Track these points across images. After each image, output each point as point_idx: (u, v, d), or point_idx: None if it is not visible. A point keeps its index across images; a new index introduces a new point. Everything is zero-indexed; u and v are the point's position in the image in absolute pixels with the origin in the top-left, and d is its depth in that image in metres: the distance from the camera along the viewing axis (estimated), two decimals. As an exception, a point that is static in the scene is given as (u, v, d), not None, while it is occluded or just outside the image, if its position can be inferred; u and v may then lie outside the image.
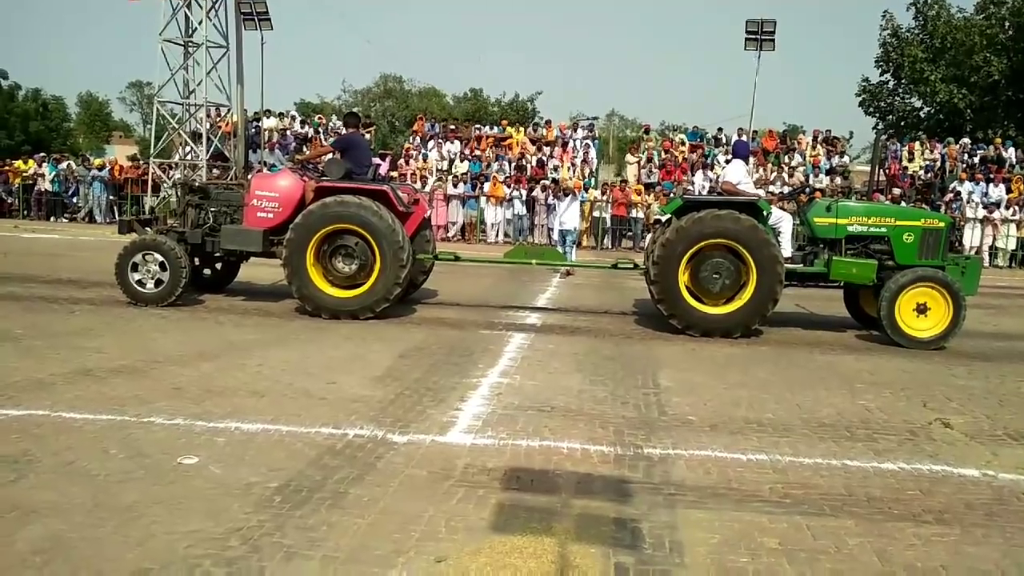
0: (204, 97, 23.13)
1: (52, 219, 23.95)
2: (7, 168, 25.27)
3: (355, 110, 43.04)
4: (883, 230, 9.38)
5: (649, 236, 17.09)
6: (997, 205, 21.16)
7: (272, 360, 7.16)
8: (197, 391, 6.01)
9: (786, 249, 9.47)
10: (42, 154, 26.85)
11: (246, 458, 4.65)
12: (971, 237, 20.93)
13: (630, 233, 22.38)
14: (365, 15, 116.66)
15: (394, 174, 23.21)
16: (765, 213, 9.25)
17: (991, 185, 22.03)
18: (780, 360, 8.13)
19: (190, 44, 23.21)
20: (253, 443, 4.92)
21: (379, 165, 16.83)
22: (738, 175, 10.00)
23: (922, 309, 8.91)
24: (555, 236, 16.92)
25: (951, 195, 21.65)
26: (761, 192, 11.24)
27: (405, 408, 5.80)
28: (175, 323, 8.81)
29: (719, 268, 9.01)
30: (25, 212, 24.36)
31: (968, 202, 21.30)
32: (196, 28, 23.00)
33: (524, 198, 22.43)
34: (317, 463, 4.62)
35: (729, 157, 22.10)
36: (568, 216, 15.78)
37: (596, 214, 22.27)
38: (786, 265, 9.12)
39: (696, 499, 4.32)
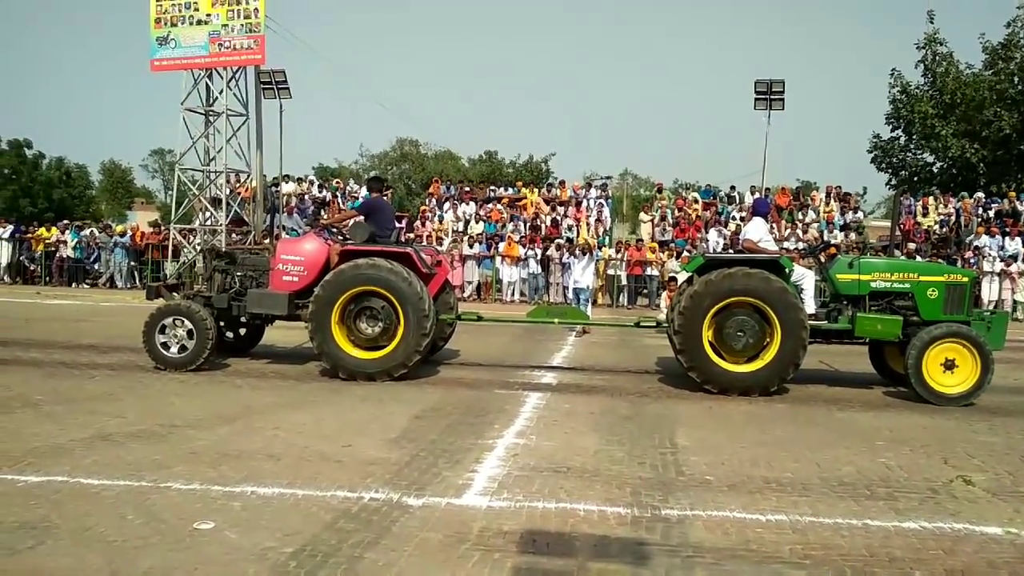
0: (224, 163, 23.57)
1: (74, 285, 24.27)
2: (30, 235, 25.75)
3: (376, 174, 43.71)
4: (907, 286, 9.36)
5: (664, 293, 17.13)
6: (1014, 258, 21.10)
7: (288, 423, 7.19)
8: (214, 455, 6.03)
9: (809, 306, 9.46)
10: (65, 221, 27.36)
11: (262, 522, 4.65)
12: (989, 291, 20.80)
13: (645, 291, 22.41)
14: (382, 81, 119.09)
15: (410, 235, 23.48)
16: (787, 270, 9.28)
17: (1007, 238, 21.99)
18: (798, 418, 8.07)
19: (211, 113, 23.75)
20: (269, 507, 4.93)
21: (402, 228, 17.06)
22: (759, 232, 10.06)
23: (950, 365, 8.81)
24: (570, 295, 17.04)
25: (971, 250, 21.59)
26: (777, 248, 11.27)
27: (420, 470, 5.80)
28: (193, 387, 8.87)
29: (744, 326, 9.01)
30: (47, 279, 24.73)
31: (985, 256, 21.24)
32: (217, 97, 23.55)
33: (539, 257, 22.59)
34: (332, 527, 4.61)
35: (744, 214, 22.34)
36: (583, 275, 15.91)
37: (611, 272, 22.37)
38: (810, 322, 9.11)
39: (715, 561, 4.27)
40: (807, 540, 4.58)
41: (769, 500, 5.30)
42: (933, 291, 9.28)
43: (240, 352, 11.14)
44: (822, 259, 10.70)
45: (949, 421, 8.04)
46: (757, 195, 23.48)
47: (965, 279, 9.48)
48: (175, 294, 10.63)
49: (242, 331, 11.34)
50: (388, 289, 9.33)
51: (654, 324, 10.56)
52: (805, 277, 9.79)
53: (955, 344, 8.81)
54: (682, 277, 12.39)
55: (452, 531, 4.60)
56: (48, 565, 4.02)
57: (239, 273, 10.52)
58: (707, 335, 9.08)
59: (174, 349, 9.67)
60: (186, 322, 9.63)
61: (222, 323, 10.54)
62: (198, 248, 21.47)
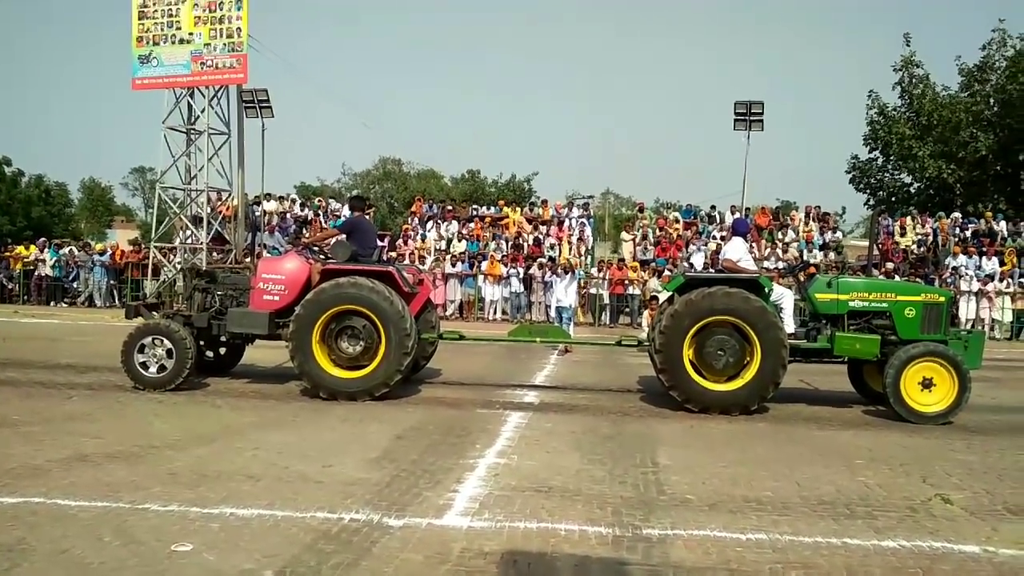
0: (205, 182, 23.52)
1: (52, 304, 24.05)
2: (9, 254, 25.51)
3: (358, 193, 43.70)
4: (884, 305, 9.44)
5: (645, 312, 17.20)
6: (991, 278, 21.37)
7: (268, 443, 7.14)
8: (192, 476, 5.98)
9: (789, 325, 9.53)
10: (43, 239, 27.14)
11: (240, 544, 4.61)
12: (966, 310, 21.03)
13: (627, 309, 22.48)
14: (365, 100, 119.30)
15: (393, 254, 23.46)
16: (767, 290, 9.34)
17: (984, 258, 22.27)
18: (779, 437, 8.10)
19: (192, 131, 23.71)
20: (248, 528, 4.89)
21: (383, 247, 17.05)
22: (739, 252, 10.12)
23: (927, 384, 8.90)
24: (552, 313, 17.09)
25: (949, 269, 21.84)
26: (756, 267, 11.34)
27: (401, 491, 5.77)
28: (172, 407, 8.80)
29: (724, 345, 9.04)
30: (25, 297, 24.48)
31: (962, 276, 21.50)
32: (199, 116, 23.52)
33: (521, 276, 22.63)
34: (312, 548, 4.58)
35: (725, 234, 22.50)
36: (565, 293, 15.96)
37: (593, 291, 22.43)
38: (790, 341, 9.16)
39: (695, 580, 4.28)
40: (787, 559, 4.60)
41: (749, 519, 5.32)
42: (911, 310, 9.37)
43: (220, 371, 11.06)
44: (801, 278, 10.79)
45: (928, 440, 8.10)
46: (737, 215, 23.70)
47: (942, 299, 9.58)
48: (155, 313, 10.56)
49: (222, 350, 11.26)
50: (369, 308, 9.31)
51: (635, 343, 10.60)
52: (784, 296, 9.87)
53: (932, 363, 8.90)
54: (663, 296, 12.45)
55: (433, 552, 4.58)
56: (23, 588, 3.97)
57: (219, 292, 10.47)
58: (687, 354, 9.12)
59: (153, 369, 9.59)
60: (165, 341, 9.56)
61: (202, 342, 10.47)
62: (178, 267, 21.35)
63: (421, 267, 19.15)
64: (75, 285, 24.65)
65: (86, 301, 24.17)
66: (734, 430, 8.36)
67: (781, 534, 5.01)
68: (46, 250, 25.19)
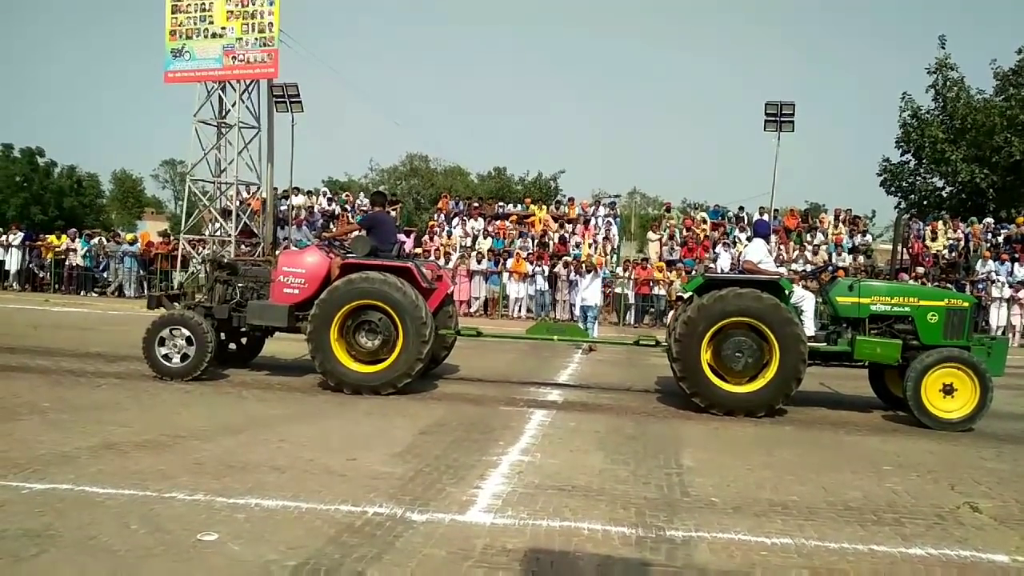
0: (235, 175, 23.72)
1: (82, 293, 24.35)
2: (40, 243, 25.87)
3: (382, 189, 43.90)
4: (906, 310, 9.33)
5: (671, 313, 17.09)
6: (1023, 284, 21.03)
7: (293, 435, 7.18)
8: (218, 466, 6.03)
9: (808, 328, 9.44)
10: (74, 230, 27.48)
11: (265, 535, 4.64)
12: (997, 317, 20.74)
13: (652, 309, 22.38)
14: (394, 97, 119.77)
15: (418, 250, 23.53)
16: (787, 291, 9.25)
17: (1016, 264, 21.93)
18: (805, 441, 8.03)
19: (223, 125, 23.93)
20: (273, 520, 4.92)
21: (404, 242, 17.15)
22: (759, 254, 10.06)
23: (948, 390, 8.78)
24: (576, 312, 17.05)
25: (982, 275, 21.53)
26: (783, 270, 11.26)
27: (425, 486, 5.78)
28: (199, 397, 8.88)
29: (742, 346, 8.97)
30: (56, 286, 24.81)
31: (994, 282, 21.19)
32: (229, 110, 23.73)
33: (546, 274, 22.61)
34: (336, 541, 4.59)
35: (750, 235, 22.35)
36: (589, 293, 15.89)
37: (618, 291, 22.36)
38: (809, 344, 9.07)
39: (719, 583, 4.25)
40: (813, 564, 4.55)
41: (775, 523, 5.27)
42: (933, 315, 9.25)
43: (241, 363, 11.15)
44: (824, 281, 10.68)
45: (957, 447, 7.99)
46: (765, 216, 23.52)
47: (966, 304, 9.45)
48: (176, 304, 10.66)
49: (243, 340, 11.35)
50: (384, 301, 9.35)
51: (654, 343, 10.51)
52: (805, 299, 9.79)
53: (953, 369, 8.78)
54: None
55: (455, 548, 4.58)
56: (51, 574, 4.01)
57: (240, 284, 10.55)
58: (705, 358, 9.04)
59: (176, 359, 9.67)
60: (184, 330, 9.64)
61: (223, 334, 10.55)
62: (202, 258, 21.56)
63: (440, 263, 19.21)
64: (105, 275, 24.95)
65: (116, 291, 24.45)
66: (759, 433, 8.29)
67: (807, 539, 4.96)
68: (77, 240, 25.51)
